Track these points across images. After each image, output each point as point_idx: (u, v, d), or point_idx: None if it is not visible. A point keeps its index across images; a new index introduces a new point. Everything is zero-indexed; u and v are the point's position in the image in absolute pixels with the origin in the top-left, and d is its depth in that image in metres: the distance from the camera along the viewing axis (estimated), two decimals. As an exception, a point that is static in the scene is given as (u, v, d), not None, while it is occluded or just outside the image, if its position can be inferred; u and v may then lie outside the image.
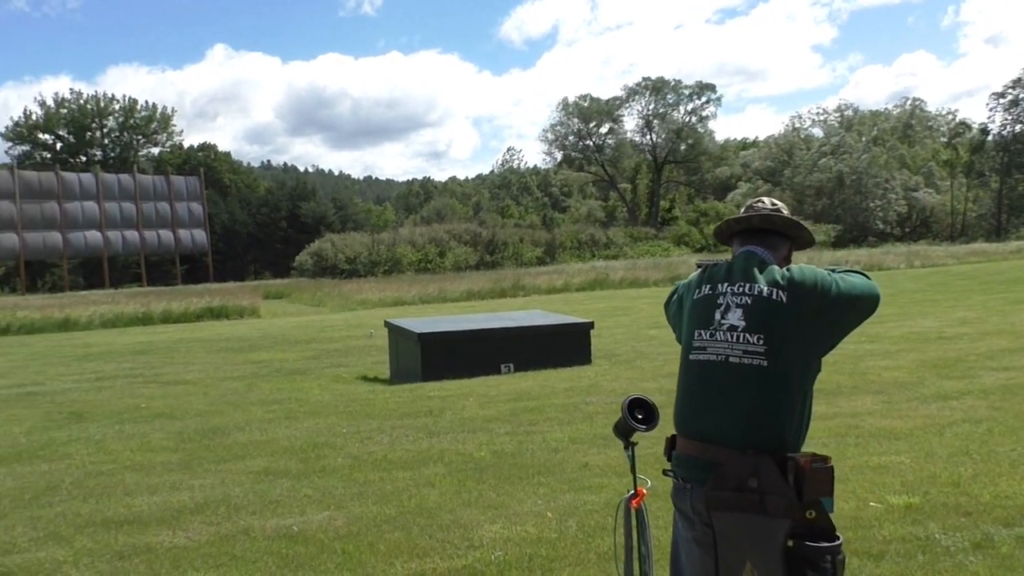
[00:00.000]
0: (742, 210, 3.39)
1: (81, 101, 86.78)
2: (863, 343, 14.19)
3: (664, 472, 3.21)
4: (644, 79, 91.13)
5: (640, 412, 3.37)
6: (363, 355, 17.46)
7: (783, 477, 2.83)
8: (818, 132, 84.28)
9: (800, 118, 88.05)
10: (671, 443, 3.20)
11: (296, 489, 7.07)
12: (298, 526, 6.04)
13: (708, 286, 3.22)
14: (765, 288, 3.06)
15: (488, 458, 7.85)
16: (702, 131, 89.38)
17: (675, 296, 3.51)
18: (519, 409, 10.23)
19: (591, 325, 14.64)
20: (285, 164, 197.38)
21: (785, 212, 3.33)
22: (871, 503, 5.90)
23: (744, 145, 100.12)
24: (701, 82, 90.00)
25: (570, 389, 11.49)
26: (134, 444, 9.33)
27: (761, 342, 3.00)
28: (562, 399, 10.74)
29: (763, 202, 3.35)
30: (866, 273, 3.22)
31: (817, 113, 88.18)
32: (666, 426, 3.20)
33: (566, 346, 14.18)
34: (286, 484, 7.26)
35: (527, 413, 9.97)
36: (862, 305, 3.11)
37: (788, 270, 3.11)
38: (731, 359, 3.04)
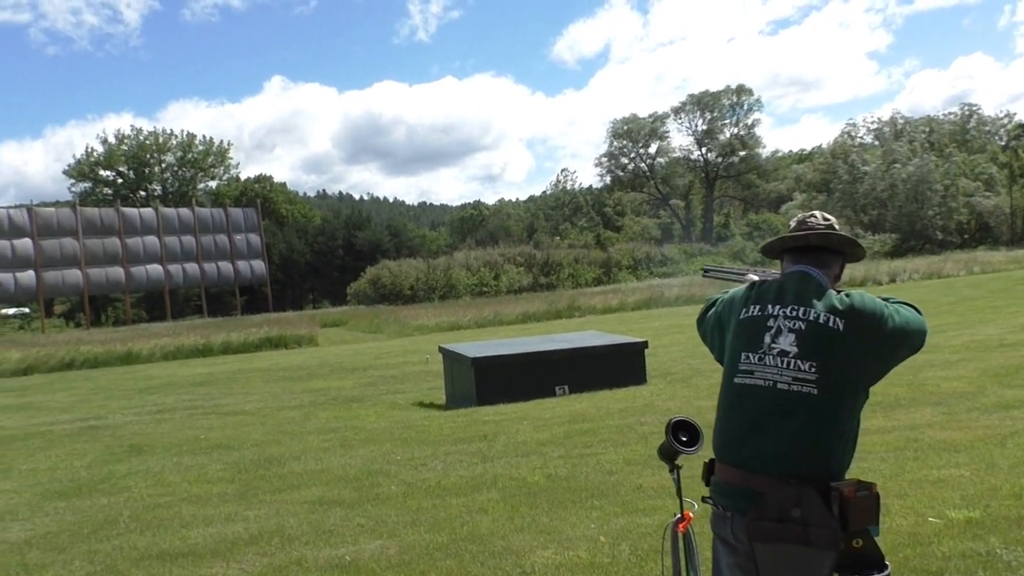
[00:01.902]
0: (792, 223, 3.29)
1: (140, 137, 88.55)
2: (922, 353, 13.91)
3: (704, 499, 3.14)
4: (689, 96, 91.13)
5: (684, 434, 3.32)
6: (419, 381, 17.52)
7: (827, 507, 2.77)
8: (871, 141, 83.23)
9: (854, 127, 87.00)
10: (709, 469, 3.13)
11: (349, 518, 7.09)
12: (350, 556, 6.05)
13: (756, 306, 3.11)
14: (822, 314, 2.97)
15: (541, 482, 7.82)
16: (751, 142, 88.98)
17: (711, 312, 3.42)
18: (573, 432, 10.19)
19: (645, 344, 14.54)
20: (340, 193, 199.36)
21: (837, 227, 3.25)
22: (930, 518, 5.78)
23: (800, 157, 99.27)
24: (731, 86, 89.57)
25: (625, 410, 11.41)
26: (191, 476, 9.44)
27: (813, 370, 2.92)
28: (617, 420, 10.67)
29: (816, 217, 3.25)
30: (917, 307, 3.15)
31: (871, 123, 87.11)
32: (706, 449, 3.16)
33: (621, 366, 14.10)
34: (340, 513, 7.29)
35: (581, 435, 9.92)
36: (913, 340, 3.04)
37: (848, 296, 3.02)
38: (779, 385, 2.95)
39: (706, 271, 3.43)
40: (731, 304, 3.28)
